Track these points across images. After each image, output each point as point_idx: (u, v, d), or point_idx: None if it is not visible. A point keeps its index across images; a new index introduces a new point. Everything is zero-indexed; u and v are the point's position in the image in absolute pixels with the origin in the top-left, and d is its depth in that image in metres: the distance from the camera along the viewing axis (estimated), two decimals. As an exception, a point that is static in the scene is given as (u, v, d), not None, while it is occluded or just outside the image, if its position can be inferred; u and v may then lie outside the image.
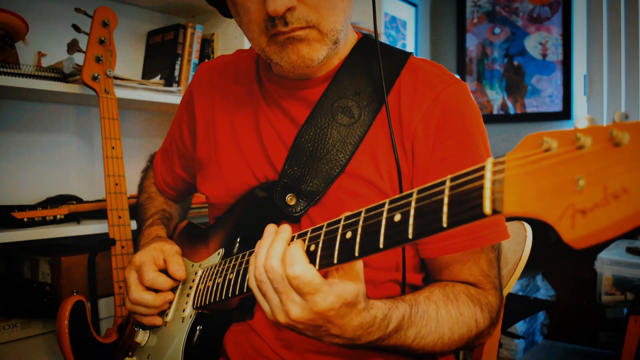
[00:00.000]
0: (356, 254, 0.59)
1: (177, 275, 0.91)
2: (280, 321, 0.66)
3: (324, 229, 0.65)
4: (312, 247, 0.65)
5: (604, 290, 2.18)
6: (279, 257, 0.65)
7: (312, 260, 0.64)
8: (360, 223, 0.59)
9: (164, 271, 0.93)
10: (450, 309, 0.78)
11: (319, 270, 0.63)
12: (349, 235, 0.60)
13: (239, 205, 0.95)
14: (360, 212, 0.60)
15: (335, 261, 0.61)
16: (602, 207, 0.38)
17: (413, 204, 0.53)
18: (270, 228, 0.70)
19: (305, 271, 0.62)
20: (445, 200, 0.49)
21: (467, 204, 0.47)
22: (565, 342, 2.88)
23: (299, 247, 0.64)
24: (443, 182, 0.51)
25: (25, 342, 1.54)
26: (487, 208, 0.45)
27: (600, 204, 0.38)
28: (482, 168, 0.47)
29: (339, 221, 0.63)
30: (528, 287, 2.77)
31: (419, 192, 0.54)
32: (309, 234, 0.67)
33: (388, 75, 0.88)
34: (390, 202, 0.57)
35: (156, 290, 0.93)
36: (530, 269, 2.76)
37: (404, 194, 0.56)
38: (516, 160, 0.44)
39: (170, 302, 0.94)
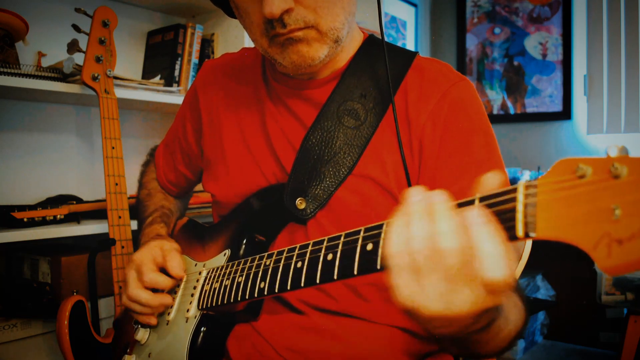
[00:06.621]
0: (378, 267, 0.57)
1: (175, 273, 0.91)
2: (436, 309, 0.50)
3: (342, 238, 0.63)
4: (330, 257, 0.63)
5: (604, 290, 2.19)
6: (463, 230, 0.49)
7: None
8: (382, 235, 0.58)
9: (164, 270, 0.93)
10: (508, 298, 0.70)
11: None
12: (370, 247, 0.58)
13: (246, 205, 0.95)
14: (382, 225, 0.58)
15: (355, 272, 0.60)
16: (639, 239, 0.38)
17: None
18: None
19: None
20: None
21: (499, 226, 0.47)
22: (565, 342, 2.88)
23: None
24: (472, 201, 0.50)
25: (25, 342, 1.54)
26: (520, 231, 0.45)
27: (638, 235, 0.38)
28: (514, 190, 0.46)
29: (358, 231, 0.61)
30: (528, 287, 2.77)
31: None
32: (326, 242, 0.66)
33: (394, 76, 0.88)
34: None
35: (156, 290, 0.93)
36: (530, 269, 2.76)
37: None
38: (549, 185, 0.44)
39: (172, 304, 0.94)
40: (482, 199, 0.49)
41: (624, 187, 0.40)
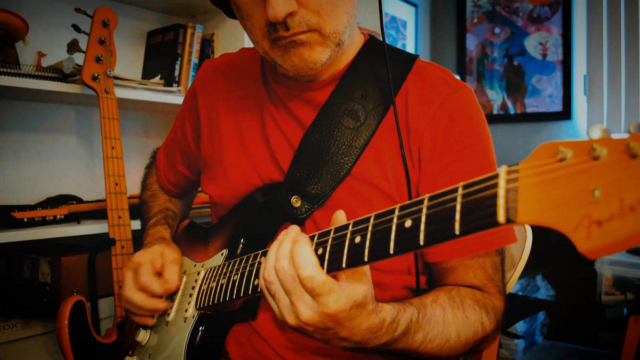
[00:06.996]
0: (365, 259, 0.58)
1: (169, 284, 0.91)
2: (289, 322, 0.65)
3: (332, 233, 0.64)
4: (320, 251, 0.64)
5: (604, 290, 2.19)
6: (288, 258, 0.64)
7: (321, 264, 0.63)
8: (370, 228, 0.59)
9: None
10: (456, 312, 0.78)
11: (326, 274, 0.63)
12: (358, 240, 0.60)
13: (243, 205, 0.95)
14: (370, 218, 0.60)
15: (344, 265, 0.61)
16: (618, 219, 0.37)
17: (424, 211, 0.53)
18: (283, 232, 0.69)
19: (318, 272, 0.61)
20: (458, 208, 0.49)
21: (480, 212, 0.47)
22: (565, 342, 2.88)
23: (308, 247, 0.63)
24: (455, 190, 0.50)
25: (25, 342, 1.54)
26: (501, 217, 0.45)
27: (617, 215, 0.38)
28: (496, 176, 0.46)
29: (347, 226, 0.62)
30: (528, 287, 2.77)
31: (430, 198, 0.53)
32: (316, 238, 0.66)
33: (395, 79, 0.88)
34: (401, 208, 0.56)
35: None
36: (530, 269, 2.76)
37: (414, 200, 0.55)
38: (530, 169, 0.44)
39: (172, 305, 0.94)
40: (465, 187, 0.49)
41: (603, 168, 0.39)
